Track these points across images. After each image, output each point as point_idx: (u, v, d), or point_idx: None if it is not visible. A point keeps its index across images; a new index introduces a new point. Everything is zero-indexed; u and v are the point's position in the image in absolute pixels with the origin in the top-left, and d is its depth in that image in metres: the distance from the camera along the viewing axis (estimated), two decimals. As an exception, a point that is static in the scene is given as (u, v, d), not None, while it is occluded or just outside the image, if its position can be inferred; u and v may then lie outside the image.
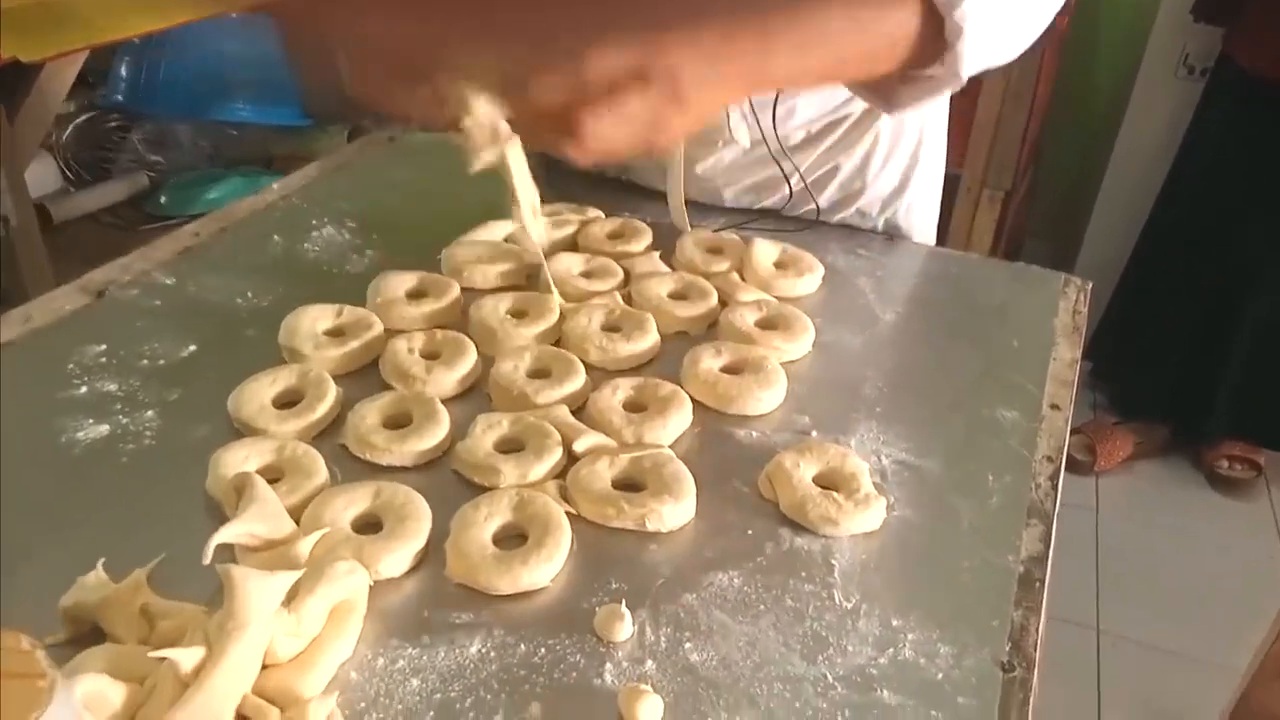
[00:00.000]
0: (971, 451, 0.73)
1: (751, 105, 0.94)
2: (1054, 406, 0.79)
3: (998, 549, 0.65)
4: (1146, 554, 2.10)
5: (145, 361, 0.76)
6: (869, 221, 1.06)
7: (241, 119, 2.06)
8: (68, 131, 2.11)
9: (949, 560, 0.64)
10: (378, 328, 0.79)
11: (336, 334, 0.78)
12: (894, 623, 0.59)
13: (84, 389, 0.72)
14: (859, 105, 0.98)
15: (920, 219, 1.08)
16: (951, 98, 0.81)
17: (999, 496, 0.69)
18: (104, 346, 0.77)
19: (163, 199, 1.97)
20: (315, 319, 0.79)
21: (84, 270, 0.86)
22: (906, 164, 1.03)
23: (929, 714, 0.53)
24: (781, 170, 0.98)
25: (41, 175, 2.04)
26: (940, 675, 0.56)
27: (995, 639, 0.58)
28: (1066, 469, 0.74)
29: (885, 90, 0.72)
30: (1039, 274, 0.99)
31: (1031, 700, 0.55)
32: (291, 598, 0.53)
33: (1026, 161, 2.35)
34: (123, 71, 2.00)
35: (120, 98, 2.00)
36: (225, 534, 0.56)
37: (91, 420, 0.69)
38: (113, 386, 0.73)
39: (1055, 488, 0.71)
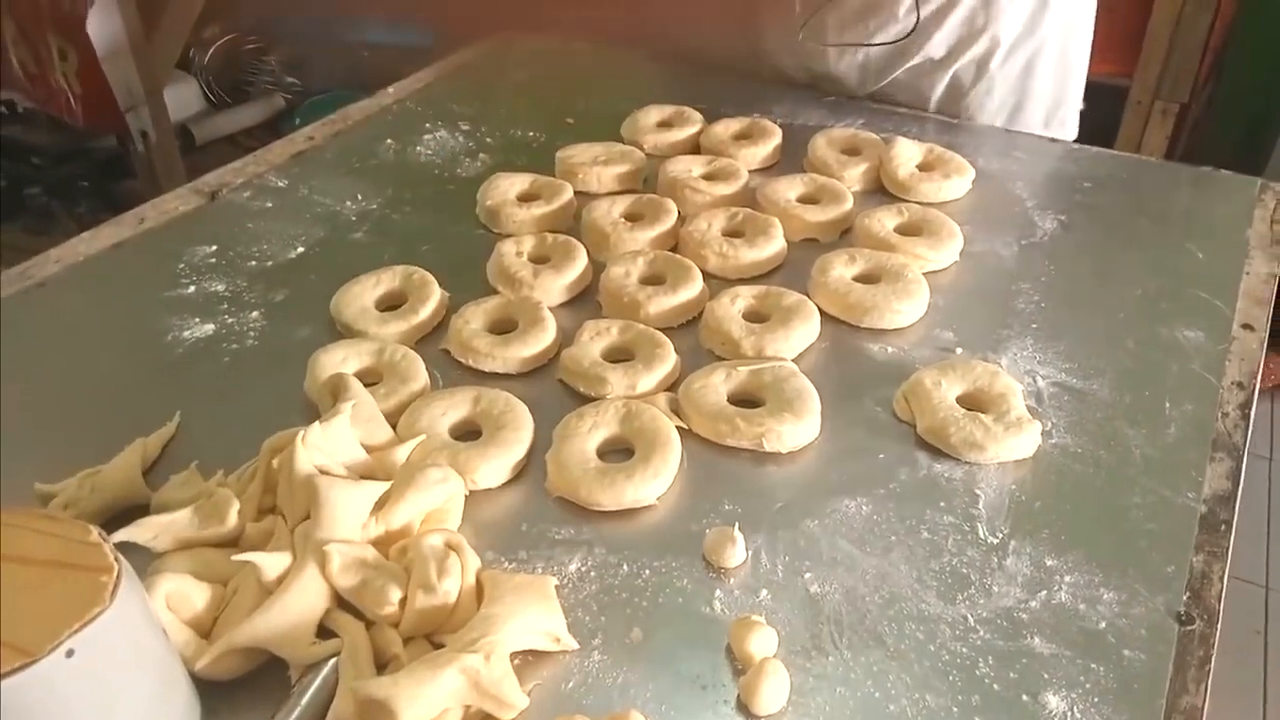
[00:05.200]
0: (1146, 375, 0.64)
1: None
2: (1247, 327, 0.68)
3: (1175, 485, 0.56)
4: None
5: (253, 262, 0.74)
6: (985, 77, 0.93)
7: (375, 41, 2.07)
8: (209, 54, 2.16)
9: (1116, 495, 0.55)
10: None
11: (443, 236, 0.75)
12: (1048, 563, 0.51)
13: (192, 289, 0.71)
14: None
15: (1048, 75, 0.92)
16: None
17: (1178, 426, 0.60)
18: (214, 247, 0.76)
19: (298, 121, 2.00)
20: (422, 221, 0.75)
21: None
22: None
23: (1089, 667, 0.46)
24: None
25: (185, 97, 2.11)
26: (1103, 624, 0.48)
27: (1171, 586, 0.50)
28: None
29: None
30: (1229, 179, 0.86)
31: (1214, 659, 0.47)
32: (380, 505, 0.49)
33: (1208, 72, 2.10)
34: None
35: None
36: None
37: (198, 320, 0.68)
38: (220, 286, 0.71)
39: (1246, 418, 0.61)
